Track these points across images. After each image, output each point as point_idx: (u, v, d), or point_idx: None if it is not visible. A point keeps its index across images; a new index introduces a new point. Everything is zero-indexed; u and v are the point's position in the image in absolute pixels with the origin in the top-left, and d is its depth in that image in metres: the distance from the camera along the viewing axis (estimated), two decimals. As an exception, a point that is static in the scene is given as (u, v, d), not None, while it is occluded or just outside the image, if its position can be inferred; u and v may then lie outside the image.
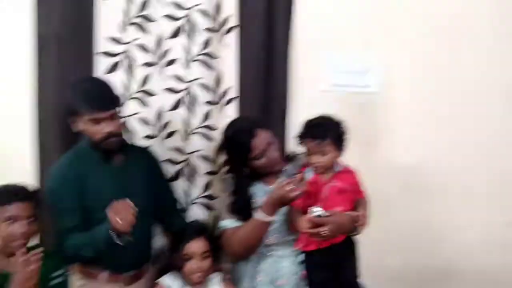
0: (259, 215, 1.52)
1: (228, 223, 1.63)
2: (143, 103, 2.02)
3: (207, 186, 2.09)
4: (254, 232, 1.55)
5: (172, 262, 1.67)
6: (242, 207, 1.62)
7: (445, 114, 2.28)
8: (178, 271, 1.65)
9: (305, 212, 1.53)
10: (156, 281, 1.67)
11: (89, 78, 1.76)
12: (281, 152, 1.71)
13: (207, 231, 1.72)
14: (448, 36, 2.23)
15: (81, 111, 1.53)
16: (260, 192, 1.66)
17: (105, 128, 1.55)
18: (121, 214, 1.45)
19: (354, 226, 1.53)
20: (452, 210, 2.31)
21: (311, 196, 1.55)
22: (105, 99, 1.56)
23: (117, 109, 1.60)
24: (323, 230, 1.43)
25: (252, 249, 1.59)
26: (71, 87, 1.58)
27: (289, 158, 1.77)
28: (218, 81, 2.06)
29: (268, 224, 1.53)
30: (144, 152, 1.84)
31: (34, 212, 1.45)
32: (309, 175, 1.58)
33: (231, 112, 2.07)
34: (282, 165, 1.68)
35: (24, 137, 1.99)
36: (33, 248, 1.48)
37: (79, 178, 1.60)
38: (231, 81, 2.06)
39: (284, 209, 1.59)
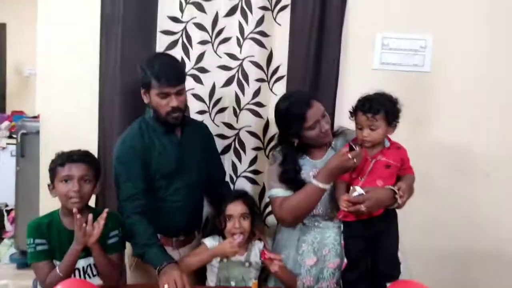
0: (315, 182, 1.57)
1: (279, 191, 1.69)
2: (198, 79, 2.11)
3: (253, 161, 2.18)
4: (307, 199, 1.60)
5: (216, 227, 1.77)
6: (292, 177, 1.67)
7: (498, 99, 2.24)
8: (221, 235, 1.76)
9: (349, 185, 1.57)
10: (202, 240, 1.79)
11: (162, 54, 1.86)
12: (331, 126, 1.74)
13: (246, 195, 1.82)
14: (502, 16, 2.18)
15: (152, 84, 1.64)
16: (308, 166, 1.71)
17: (171, 102, 1.65)
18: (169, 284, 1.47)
19: (393, 200, 1.53)
20: (497, 195, 2.28)
21: (357, 170, 1.57)
22: (174, 75, 1.65)
23: (184, 85, 1.70)
24: (361, 207, 1.47)
25: (302, 216, 1.65)
26: (145, 62, 1.68)
27: (337, 134, 1.80)
28: (269, 59, 2.11)
29: (322, 191, 1.57)
30: (200, 126, 1.93)
31: (88, 173, 1.57)
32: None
33: (280, 90, 2.12)
34: (330, 139, 1.72)
35: (89, 110, 2.14)
36: (94, 209, 1.65)
37: (145, 149, 1.71)
38: (281, 59, 2.11)
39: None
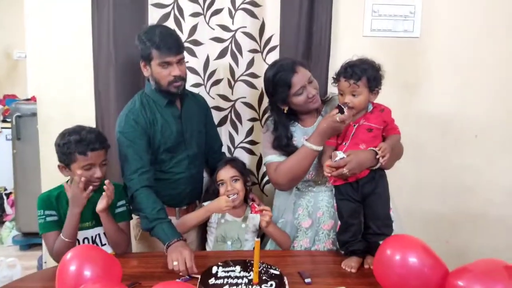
0: (308, 144, 1.62)
1: (273, 157, 1.74)
2: (191, 52, 2.12)
3: (249, 132, 2.22)
4: (301, 161, 1.65)
5: (214, 194, 1.86)
6: (284, 144, 1.73)
7: (485, 63, 2.28)
8: None
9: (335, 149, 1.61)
10: (201, 204, 1.86)
11: (159, 25, 1.87)
12: (319, 93, 1.76)
13: (235, 160, 1.92)
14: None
15: (153, 55, 1.66)
16: (299, 132, 1.77)
17: (173, 71, 1.68)
18: (179, 262, 1.48)
19: (376, 161, 1.54)
20: (489, 159, 2.35)
21: (341, 135, 1.61)
22: (175, 44, 1.67)
23: (183, 55, 1.72)
24: (343, 170, 1.50)
25: (297, 179, 1.71)
26: (143, 33, 1.69)
27: (326, 100, 1.84)
28: (261, 29, 2.13)
29: (315, 153, 1.62)
30: (197, 99, 1.97)
31: (105, 157, 1.63)
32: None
33: (273, 59, 2.10)
34: (318, 105, 1.75)
35: (85, 86, 2.15)
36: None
37: (148, 123, 1.73)
38: (274, 29, 2.12)
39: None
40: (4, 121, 3.78)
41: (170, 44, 1.66)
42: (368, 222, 1.59)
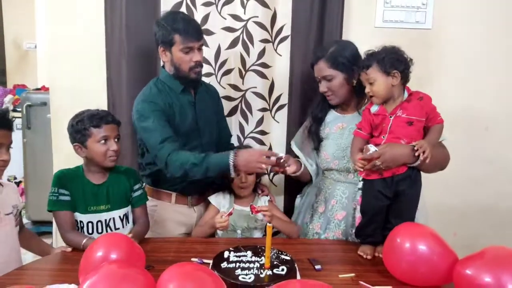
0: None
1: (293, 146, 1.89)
2: (203, 41, 2.12)
3: (260, 122, 2.23)
4: None
5: (223, 184, 1.89)
6: (314, 131, 1.80)
7: (498, 55, 2.26)
8: (229, 190, 1.89)
9: (367, 143, 1.57)
10: (208, 198, 1.89)
11: (179, 12, 1.89)
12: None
13: None
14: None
15: (175, 40, 1.68)
16: (333, 119, 1.80)
17: (195, 57, 1.71)
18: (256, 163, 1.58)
19: (414, 157, 1.47)
20: (499, 151, 2.34)
21: (378, 128, 1.54)
22: (197, 30, 1.71)
23: (203, 41, 1.75)
24: (377, 162, 1.47)
25: None
26: (163, 19, 1.71)
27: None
28: (273, 19, 2.13)
29: None
30: (209, 88, 1.98)
31: (119, 133, 1.65)
32: (374, 108, 1.56)
33: (285, 50, 2.15)
34: (333, 101, 1.76)
35: (97, 75, 2.17)
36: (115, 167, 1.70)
37: (168, 105, 1.75)
38: (285, 19, 2.12)
39: (349, 138, 1.70)
40: (14, 110, 3.82)
41: (193, 29, 1.69)
42: (390, 218, 1.55)
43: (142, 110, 1.72)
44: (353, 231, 1.68)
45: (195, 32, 1.70)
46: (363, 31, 2.17)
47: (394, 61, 1.51)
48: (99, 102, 2.14)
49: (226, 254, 1.41)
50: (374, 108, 1.57)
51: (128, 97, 2.06)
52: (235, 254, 1.41)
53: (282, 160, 1.71)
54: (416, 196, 1.57)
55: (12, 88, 4.26)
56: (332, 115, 1.83)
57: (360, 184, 1.57)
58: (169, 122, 1.74)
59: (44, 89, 3.59)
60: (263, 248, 1.44)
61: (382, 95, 1.53)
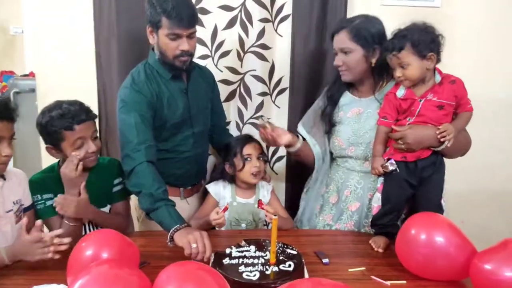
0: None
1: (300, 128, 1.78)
2: (198, 21, 1.98)
3: (259, 107, 2.11)
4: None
5: (224, 172, 1.76)
6: (329, 113, 1.68)
7: (509, 33, 2.15)
8: (230, 180, 1.76)
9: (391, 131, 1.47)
10: (206, 186, 1.78)
11: None
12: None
13: (257, 140, 1.80)
14: None
15: (162, 23, 1.50)
16: (349, 102, 1.68)
17: (182, 45, 1.52)
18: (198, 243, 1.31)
19: (438, 140, 1.41)
20: (509, 135, 2.26)
21: (406, 112, 1.44)
22: (188, 15, 1.50)
23: (195, 28, 1.56)
24: (400, 144, 1.41)
25: None
26: None
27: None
28: (273, -3, 2.00)
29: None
30: (204, 72, 1.84)
31: (95, 128, 1.49)
32: (401, 92, 1.45)
33: (286, 30, 2.03)
34: (346, 78, 1.62)
35: (86, 58, 2.04)
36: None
37: (155, 95, 1.59)
38: (286, -4, 1.99)
39: (369, 125, 1.59)
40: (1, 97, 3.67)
41: (184, 14, 1.48)
42: (418, 208, 1.45)
43: (126, 100, 1.56)
44: (367, 221, 1.59)
45: (185, 18, 1.49)
46: (369, 9, 2.01)
47: (429, 42, 1.39)
48: (89, 86, 2.04)
49: (228, 250, 1.31)
50: (400, 92, 1.45)
51: (119, 81, 1.91)
52: (238, 249, 1.31)
53: (262, 120, 1.63)
54: (442, 181, 1.50)
55: (0, 75, 4.10)
56: (347, 97, 1.70)
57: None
58: (155, 116, 1.59)
59: (32, 75, 3.43)
60: (267, 241, 1.34)
61: (415, 79, 1.42)
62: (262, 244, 1.34)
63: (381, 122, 1.49)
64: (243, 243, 1.36)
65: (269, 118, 1.61)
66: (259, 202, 1.59)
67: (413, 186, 1.47)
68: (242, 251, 1.30)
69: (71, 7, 2.02)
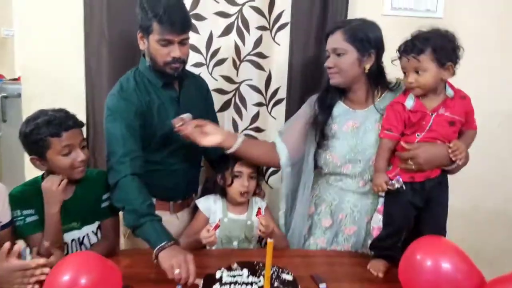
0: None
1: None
2: (193, 28, 1.89)
3: (255, 118, 2.04)
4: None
5: (213, 186, 1.67)
6: (320, 122, 1.54)
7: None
8: (221, 194, 1.66)
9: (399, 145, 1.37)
10: (195, 201, 1.68)
11: None
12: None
13: None
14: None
15: (153, 28, 1.42)
16: (342, 113, 1.56)
17: (173, 52, 1.44)
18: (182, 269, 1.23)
19: (450, 160, 1.33)
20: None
21: (413, 126, 1.35)
22: (180, 21, 1.43)
23: (188, 34, 1.49)
24: (410, 164, 1.32)
25: None
26: (145, 1, 1.44)
27: (393, 88, 1.54)
28: (271, 4, 1.93)
29: None
30: (197, 80, 1.75)
31: (82, 137, 1.41)
32: (410, 103, 1.35)
33: (284, 39, 1.95)
34: (334, 81, 1.51)
35: (75, 63, 1.95)
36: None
37: (143, 104, 1.51)
38: (285, 4, 1.92)
39: (369, 140, 1.49)
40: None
41: (175, 19, 1.40)
42: (422, 230, 1.36)
43: (113, 108, 1.48)
44: (366, 244, 1.50)
45: (177, 23, 1.41)
46: (369, 19, 1.97)
47: (451, 51, 1.30)
48: (77, 92, 1.95)
49: (218, 274, 1.21)
50: (409, 103, 1.35)
51: (109, 87, 1.82)
52: (229, 273, 1.21)
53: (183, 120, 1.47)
54: (447, 202, 1.41)
55: (-11, 78, 3.99)
56: (340, 108, 1.57)
57: (382, 192, 1.38)
58: (144, 125, 1.51)
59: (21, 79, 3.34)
60: (261, 264, 1.25)
61: (427, 88, 1.33)
62: (255, 268, 1.24)
63: (385, 135, 1.39)
64: (235, 265, 1.26)
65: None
66: (258, 211, 1.50)
67: (417, 207, 1.38)
68: (233, 275, 1.20)
69: (62, 11, 1.94)
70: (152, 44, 1.46)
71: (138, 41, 1.51)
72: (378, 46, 1.48)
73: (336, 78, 1.51)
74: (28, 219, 1.35)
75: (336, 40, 1.48)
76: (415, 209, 1.38)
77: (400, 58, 1.36)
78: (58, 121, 1.34)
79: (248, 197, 1.65)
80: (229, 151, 1.56)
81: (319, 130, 1.55)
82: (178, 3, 1.48)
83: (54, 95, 1.92)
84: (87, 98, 1.95)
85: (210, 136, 1.51)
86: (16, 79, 3.46)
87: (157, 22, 1.41)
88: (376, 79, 1.51)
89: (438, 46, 1.28)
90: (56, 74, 1.97)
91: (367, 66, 1.48)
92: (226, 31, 1.94)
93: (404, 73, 1.36)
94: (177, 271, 1.20)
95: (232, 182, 1.62)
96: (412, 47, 1.30)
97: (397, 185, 1.34)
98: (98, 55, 1.91)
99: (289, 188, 1.66)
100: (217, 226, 1.46)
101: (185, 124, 1.46)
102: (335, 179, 1.57)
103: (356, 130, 1.52)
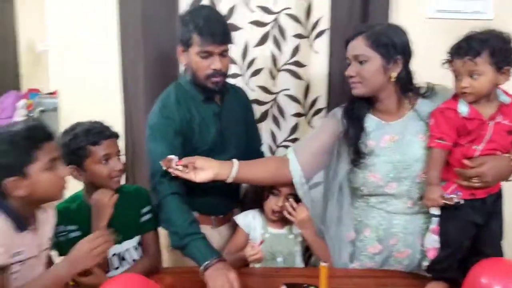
0: None
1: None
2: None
3: (294, 129, 1.98)
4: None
5: (253, 201, 1.62)
6: (352, 137, 1.42)
7: None
8: (259, 209, 1.61)
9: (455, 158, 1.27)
10: (234, 218, 1.63)
11: (206, 7, 1.61)
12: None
13: None
14: None
15: (193, 41, 1.41)
16: (376, 127, 1.42)
17: (214, 64, 1.42)
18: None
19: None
20: None
21: (469, 136, 1.25)
22: (220, 32, 1.41)
23: (228, 46, 1.46)
24: (474, 183, 1.22)
25: None
26: (187, 13, 1.45)
27: (424, 94, 1.42)
28: (308, 11, 1.88)
29: None
30: (238, 93, 1.71)
31: (119, 147, 1.42)
32: (464, 109, 1.24)
33: (322, 47, 1.90)
34: (356, 92, 1.39)
35: (111, 78, 1.96)
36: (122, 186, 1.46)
37: (184, 121, 1.49)
38: (323, 10, 1.87)
39: (414, 155, 1.36)
40: (28, 116, 3.65)
41: (216, 30, 1.38)
42: (481, 247, 1.28)
43: (154, 127, 1.47)
44: (420, 264, 1.39)
45: (218, 34, 1.39)
46: (412, 22, 1.83)
47: (509, 54, 1.20)
48: (113, 107, 1.96)
49: (267, 297, 1.15)
50: (464, 109, 1.24)
51: (145, 103, 1.84)
52: (278, 297, 1.15)
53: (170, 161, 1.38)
54: (501, 215, 1.31)
55: (26, 92, 4.10)
56: (371, 121, 1.43)
57: (435, 210, 1.27)
58: (184, 143, 1.48)
59: (57, 93, 3.41)
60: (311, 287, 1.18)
61: (482, 94, 1.21)
62: (305, 292, 1.17)
63: (437, 145, 1.27)
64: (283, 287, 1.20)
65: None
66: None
67: (476, 224, 1.27)
68: (283, 300, 1.14)
69: (96, 25, 1.96)
70: (192, 57, 1.44)
71: (178, 55, 1.49)
72: (405, 52, 1.36)
73: (359, 88, 1.38)
74: (71, 235, 1.35)
75: (358, 46, 1.36)
76: (475, 226, 1.28)
77: (450, 61, 1.25)
78: (97, 130, 1.36)
79: (280, 216, 1.56)
80: (228, 181, 1.46)
81: (352, 147, 1.42)
82: (218, 15, 1.46)
83: (90, 109, 1.92)
84: (125, 114, 1.95)
85: (202, 172, 1.41)
86: (52, 93, 3.54)
87: (197, 33, 1.39)
88: (406, 86, 1.39)
89: (497, 48, 1.18)
90: (92, 89, 1.98)
91: (394, 74, 1.35)
92: (262, 41, 1.90)
93: (456, 77, 1.25)
94: None
95: (267, 197, 1.56)
96: (467, 49, 1.20)
97: (455, 200, 1.23)
98: (134, 69, 1.91)
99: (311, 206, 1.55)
100: (261, 242, 1.41)
101: (173, 165, 1.38)
102: (377, 200, 1.43)
103: (396, 144, 1.40)
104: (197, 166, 1.39)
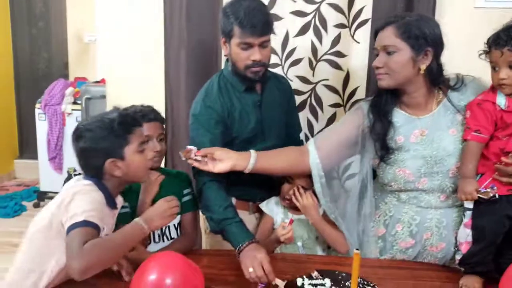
0: None
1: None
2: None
3: (331, 119, 1.97)
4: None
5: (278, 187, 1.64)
6: (380, 133, 1.39)
7: None
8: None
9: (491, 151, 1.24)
10: (259, 205, 1.66)
11: None
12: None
13: None
14: None
15: (234, 32, 1.43)
16: (405, 122, 1.39)
17: (253, 55, 1.43)
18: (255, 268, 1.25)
19: None
20: None
21: (507, 129, 1.21)
22: (260, 23, 1.41)
23: (269, 36, 1.47)
24: None
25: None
26: (229, 5, 1.46)
27: (454, 87, 1.37)
28: (350, 0, 1.85)
29: None
30: (280, 82, 1.72)
31: (163, 131, 1.49)
32: (503, 101, 1.21)
33: (363, 37, 1.87)
34: (382, 81, 1.35)
35: (155, 68, 2.03)
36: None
37: (225, 110, 1.53)
38: (365, 0, 1.84)
39: (446, 149, 1.34)
40: (74, 103, 3.82)
41: (255, 22, 1.39)
42: None
43: (196, 116, 1.52)
44: (454, 257, 1.36)
45: (258, 26, 1.40)
46: (460, 12, 1.84)
47: None
48: (157, 96, 2.01)
49: (299, 281, 1.17)
50: (502, 102, 1.20)
51: (186, 91, 1.91)
52: (310, 281, 1.17)
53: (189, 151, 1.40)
54: None
55: (73, 81, 4.29)
56: (399, 116, 1.40)
57: (469, 204, 1.25)
58: (225, 132, 1.52)
59: (104, 82, 3.55)
60: (344, 275, 1.19)
61: None
62: (337, 278, 1.18)
63: (473, 137, 1.24)
64: (315, 273, 1.22)
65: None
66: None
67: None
68: (315, 284, 1.16)
69: (142, 16, 2.03)
70: (233, 48, 1.46)
71: (221, 46, 1.52)
72: (436, 44, 1.31)
73: (386, 80, 1.34)
74: (122, 210, 1.40)
75: (387, 37, 1.31)
76: (510, 220, 1.23)
77: (488, 52, 1.21)
78: (142, 113, 1.44)
79: (290, 204, 1.58)
80: (246, 171, 1.46)
81: (379, 143, 1.39)
82: (260, 6, 1.46)
83: (135, 96, 1.99)
84: (166, 102, 2.01)
85: (220, 163, 1.41)
86: (99, 82, 3.69)
87: (238, 25, 1.41)
88: (435, 79, 1.34)
89: None
90: (138, 79, 2.06)
91: (423, 67, 1.31)
92: (303, 31, 1.90)
93: (493, 68, 1.21)
94: (250, 269, 1.22)
95: (283, 184, 1.59)
96: (506, 39, 1.16)
97: (491, 194, 1.20)
98: (177, 58, 1.97)
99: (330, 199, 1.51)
100: (291, 221, 1.43)
101: (192, 155, 1.41)
102: (407, 196, 1.41)
103: (426, 139, 1.36)
104: (215, 157, 1.41)
